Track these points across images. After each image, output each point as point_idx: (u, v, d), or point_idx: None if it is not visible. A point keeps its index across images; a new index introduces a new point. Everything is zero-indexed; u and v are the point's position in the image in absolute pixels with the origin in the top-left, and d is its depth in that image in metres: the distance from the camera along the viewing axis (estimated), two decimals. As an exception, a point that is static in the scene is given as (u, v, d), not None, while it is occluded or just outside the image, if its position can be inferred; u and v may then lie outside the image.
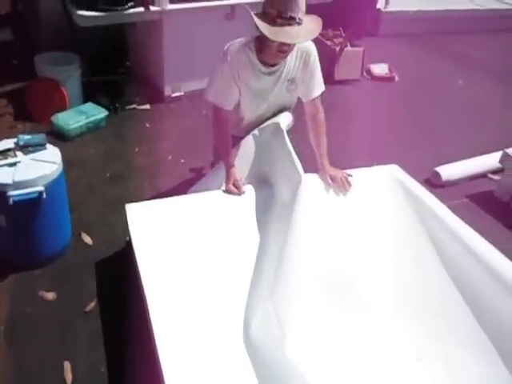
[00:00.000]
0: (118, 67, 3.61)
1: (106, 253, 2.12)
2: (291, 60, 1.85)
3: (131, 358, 1.68)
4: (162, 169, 2.73)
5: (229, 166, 1.90)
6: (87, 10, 2.77)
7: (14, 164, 1.84)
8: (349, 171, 1.99)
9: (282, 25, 1.63)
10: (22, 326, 1.79)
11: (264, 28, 1.64)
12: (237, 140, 2.00)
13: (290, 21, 1.62)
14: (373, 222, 1.87)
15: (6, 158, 1.85)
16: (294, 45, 1.74)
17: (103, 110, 3.08)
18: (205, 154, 2.36)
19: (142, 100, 3.37)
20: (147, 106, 3.37)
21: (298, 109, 2.14)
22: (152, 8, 2.95)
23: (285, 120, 1.94)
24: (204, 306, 1.56)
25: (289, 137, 1.91)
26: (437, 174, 2.80)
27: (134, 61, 3.68)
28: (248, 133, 1.98)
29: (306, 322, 1.46)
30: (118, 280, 1.94)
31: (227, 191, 1.87)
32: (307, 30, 1.68)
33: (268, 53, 1.77)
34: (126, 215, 1.84)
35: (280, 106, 1.99)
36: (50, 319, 1.82)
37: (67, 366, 1.65)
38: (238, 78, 1.82)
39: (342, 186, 1.90)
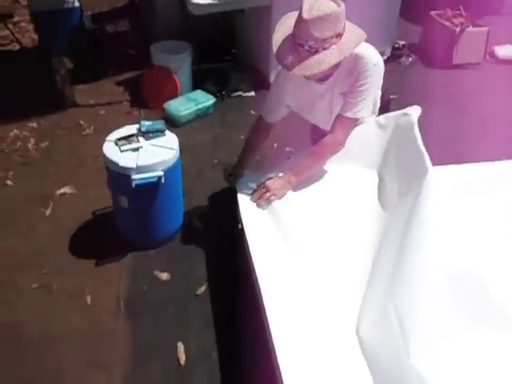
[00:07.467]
0: (225, 54, 3.66)
1: (216, 239, 2.16)
2: (340, 71, 1.71)
3: (242, 346, 1.69)
4: (267, 156, 2.71)
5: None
6: (201, -2, 2.82)
7: (136, 149, 1.93)
8: (484, 163, 1.80)
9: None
10: (139, 304, 1.89)
11: (274, 44, 1.61)
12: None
13: (299, 47, 1.54)
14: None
15: (129, 143, 1.95)
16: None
17: (211, 97, 3.14)
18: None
19: (247, 87, 3.38)
20: (252, 93, 3.37)
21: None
22: (265, -7, 2.92)
23: (416, 112, 1.81)
24: (317, 298, 1.51)
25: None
26: None
27: (240, 48, 3.70)
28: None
29: (433, 327, 1.33)
30: (228, 267, 1.96)
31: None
32: (309, 64, 1.53)
33: None
34: (236, 203, 1.85)
35: None
36: (164, 299, 1.90)
37: (180, 346, 1.71)
38: (288, 94, 1.85)
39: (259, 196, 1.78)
